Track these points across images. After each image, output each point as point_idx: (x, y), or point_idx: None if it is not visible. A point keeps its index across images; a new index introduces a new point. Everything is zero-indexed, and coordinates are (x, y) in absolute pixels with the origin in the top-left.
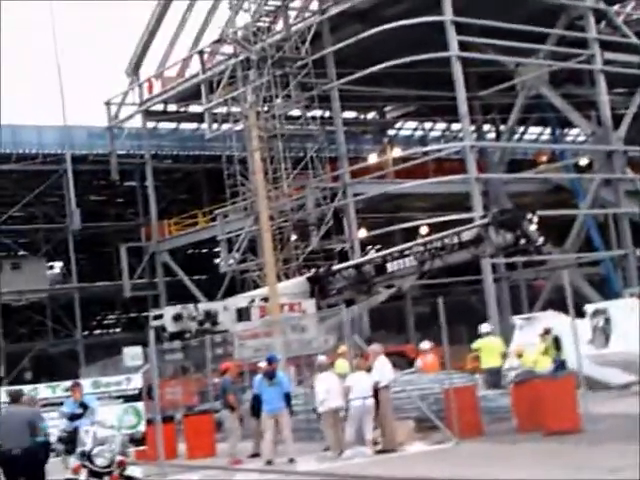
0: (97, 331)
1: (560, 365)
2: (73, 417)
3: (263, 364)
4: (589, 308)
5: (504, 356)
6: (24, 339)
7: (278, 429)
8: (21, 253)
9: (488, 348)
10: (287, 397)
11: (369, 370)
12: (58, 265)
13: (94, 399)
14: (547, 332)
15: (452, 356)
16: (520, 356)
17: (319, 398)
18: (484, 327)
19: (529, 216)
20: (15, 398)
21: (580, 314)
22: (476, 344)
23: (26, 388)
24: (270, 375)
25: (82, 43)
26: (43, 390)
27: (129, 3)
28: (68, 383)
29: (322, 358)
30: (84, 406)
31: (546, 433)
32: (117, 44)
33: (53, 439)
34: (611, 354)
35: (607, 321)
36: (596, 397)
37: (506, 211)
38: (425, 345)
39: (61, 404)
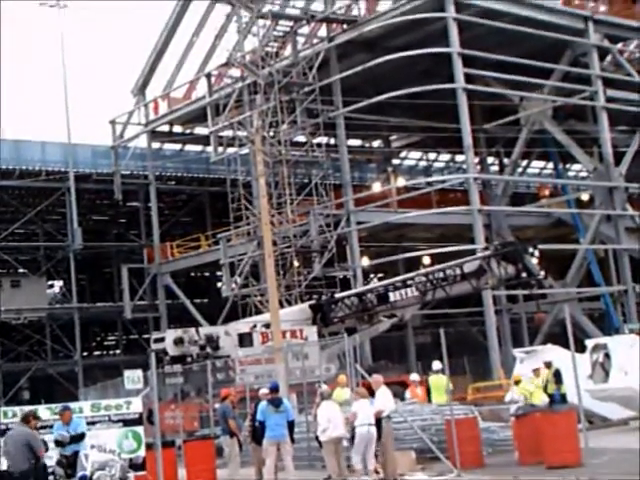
0: (97, 352)
1: (560, 399)
2: (62, 443)
3: (264, 391)
4: (589, 343)
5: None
6: (22, 358)
7: (280, 456)
8: (21, 271)
9: (436, 385)
10: (291, 425)
11: (372, 395)
12: (58, 284)
13: (83, 422)
14: (548, 366)
15: (454, 387)
16: (517, 383)
17: (321, 427)
18: (435, 365)
19: (530, 249)
20: (23, 418)
21: (580, 348)
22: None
23: (25, 409)
24: (276, 403)
25: (90, 60)
26: (42, 411)
27: (139, 22)
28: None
29: (324, 387)
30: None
31: (547, 466)
32: (124, 63)
33: (51, 462)
34: (611, 389)
35: (607, 356)
36: (596, 432)
37: (508, 244)
38: (414, 377)
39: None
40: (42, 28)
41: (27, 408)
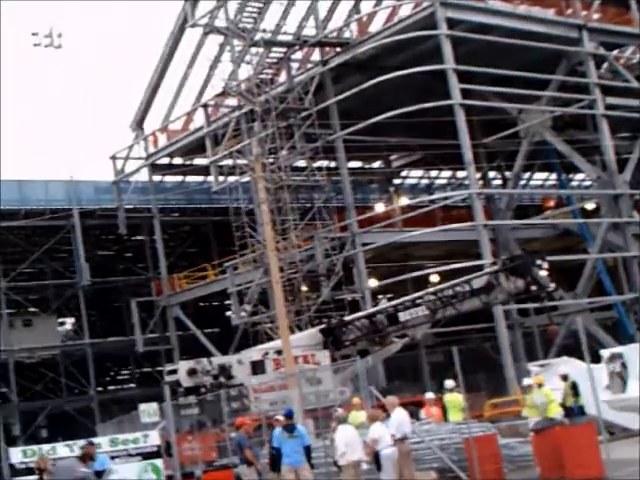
0: (111, 387)
1: (579, 411)
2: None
3: (280, 417)
4: (605, 353)
5: (464, 411)
6: (38, 396)
7: None
8: (32, 310)
9: (451, 404)
10: (307, 450)
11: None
12: (69, 321)
13: (107, 459)
14: (564, 378)
15: (470, 404)
16: (540, 386)
17: (339, 451)
18: (448, 383)
19: (539, 262)
20: (81, 457)
21: (595, 359)
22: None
23: (44, 447)
24: (290, 429)
25: (87, 98)
26: (61, 449)
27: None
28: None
29: (340, 410)
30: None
31: None
32: (121, 98)
33: None
34: (630, 399)
35: (623, 366)
36: (617, 443)
37: (515, 257)
38: (429, 396)
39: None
40: (39, 68)
41: (46, 447)
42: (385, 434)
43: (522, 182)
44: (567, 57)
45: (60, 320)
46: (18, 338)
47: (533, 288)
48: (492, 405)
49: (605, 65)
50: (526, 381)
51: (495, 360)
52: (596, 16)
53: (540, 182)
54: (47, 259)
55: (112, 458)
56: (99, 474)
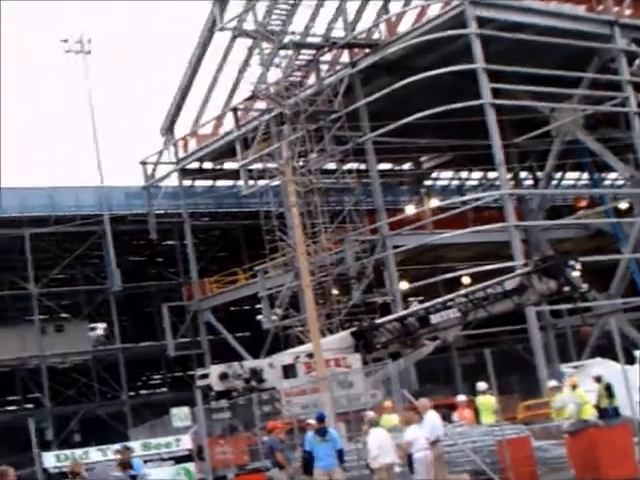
0: (143, 391)
1: (613, 413)
2: None
3: (312, 421)
4: (638, 354)
5: (497, 413)
6: (70, 401)
7: None
8: (64, 315)
9: (484, 406)
10: (340, 454)
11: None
12: (101, 326)
13: (141, 463)
14: (598, 380)
15: (503, 406)
16: (575, 387)
17: (371, 454)
18: (480, 386)
19: (571, 262)
20: (122, 464)
21: (629, 360)
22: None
23: (77, 452)
24: (322, 432)
25: (117, 103)
26: (94, 453)
27: (163, 61)
28: (118, 446)
29: (371, 414)
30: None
31: None
32: (151, 103)
33: None
34: None
35: None
36: None
37: (548, 258)
38: (461, 398)
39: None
40: (69, 74)
41: (79, 451)
42: (419, 437)
43: (554, 182)
44: (599, 54)
45: (92, 325)
46: (50, 344)
47: (566, 289)
48: (525, 407)
49: (637, 62)
50: (552, 383)
51: (528, 362)
52: (628, 12)
53: (572, 182)
54: (78, 265)
55: (145, 462)
56: (133, 478)
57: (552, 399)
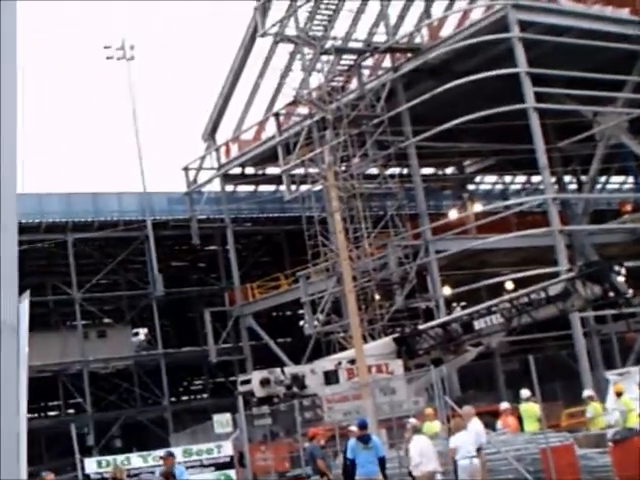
0: (184, 397)
1: None
2: None
3: (354, 428)
4: None
5: (541, 421)
6: (112, 407)
7: None
8: (106, 321)
9: (527, 413)
10: (382, 461)
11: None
12: (143, 331)
13: (184, 470)
14: None
15: (546, 414)
16: (620, 395)
17: (413, 461)
18: (523, 393)
19: (616, 268)
20: (164, 475)
21: None
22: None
23: (118, 458)
24: (365, 439)
25: (158, 108)
26: (135, 459)
27: (204, 67)
28: (159, 452)
29: (413, 421)
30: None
31: None
32: (193, 109)
33: None
34: None
35: None
36: None
37: (592, 263)
38: (505, 405)
39: (153, 473)
40: (111, 80)
41: (120, 457)
42: (464, 444)
43: (598, 186)
44: None
45: (134, 331)
46: (92, 349)
47: (611, 294)
48: (569, 415)
49: None
50: (586, 392)
51: (572, 368)
52: None
53: (617, 186)
54: (121, 270)
55: (186, 469)
56: None
57: (588, 409)
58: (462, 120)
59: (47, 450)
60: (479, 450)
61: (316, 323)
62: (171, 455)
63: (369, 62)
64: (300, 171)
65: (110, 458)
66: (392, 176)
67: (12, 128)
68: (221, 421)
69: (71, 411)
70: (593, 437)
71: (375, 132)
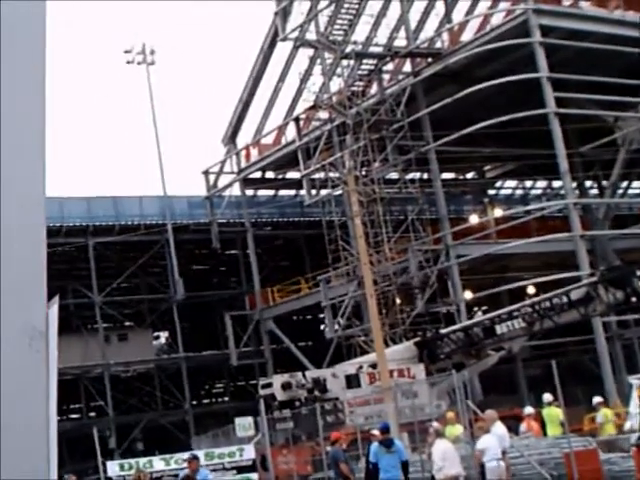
0: (205, 400)
1: None
2: None
3: (376, 432)
4: None
5: (563, 425)
6: (133, 410)
7: None
8: (127, 324)
9: (550, 418)
10: (404, 465)
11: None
12: (164, 335)
13: (208, 473)
14: None
15: (569, 418)
16: None
17: (436, 465)
18: (545, 397)
19: (638, 272)
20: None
21: None
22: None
23: (140, 461)
24: (387, 443)
25: (179, 113)
26: (157, 462)
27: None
28: (181, 455)
29: (436, 424)
30: None
31: None
32: (213, 113)
33: None
34: None
35: None
36: None
37: (614, 268)
38: (529, 410)
39: (176, 476)
40: (131, 85)
41: (142, 460)
42: (491, 446)
43: (620, 191)
44: None
45: (155, 334)
46: (114, 352)
47: (633, 299)
48: (591, 419)
49: None
50: (596, 399)
51: (594, 373)
52: None
53: (638, 191)
54: (141, 274)
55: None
56: None
57: (597, 415)
58: (483, 125)
59: (69, 453)
60: (503, 454)
61: (337, 327)
62: (195, 458)
63: (389, 67)
64: (320, 175)
65: (132, 461)
66: (412, 181)
67: (40, 134)
68: (243, 424)
69: (92, 414)
70: (615, 441)
71: (395, 137)
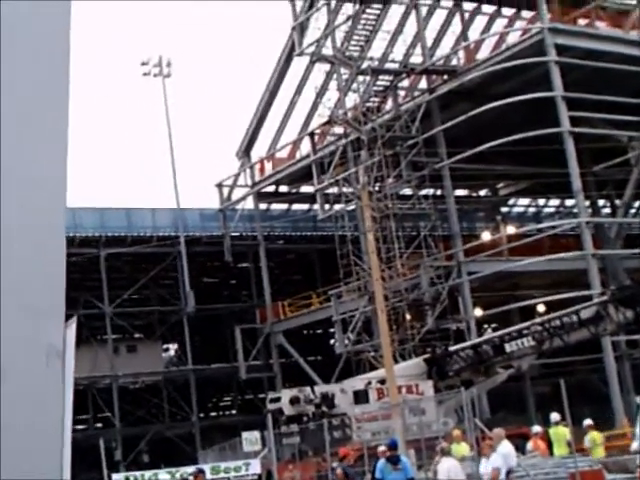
0: (213, 413)
1: None
2: None
3: (382, 448)
4: None
5: (570, 445)
6: (140, 422)
7: None
8: (137, 336)
9: (557, 437)
10: None
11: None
12: (173, 347)
13: None
14: None
15: (576, 438)
16: None
17: None
18: (553, 417)
19: None
20: None
21: None
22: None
23: (146, 474)
24: (394, 460)
25: (193, 125)
26: (163, 475)
27: (241, 84)
28: (187, 468)
29: (443, 442)
30: None
31: None
32: (227, 126)
33: None
34: None
35: None
36: None
37: (625, 288)
38: (537, 429)
39: None
40: (147, 96)
41: (148, 473)
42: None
43: (632, 211)
44: None
45: (164, 346)
46: (122, 363)
47: None
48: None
49: None
50: (586, 422)
51: (602, 392)
52: None
53: None
54: (152, 285)
55: None
56: None
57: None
58: (497, 143)
59: (74, 463)
60: (509, 473)
61: (347, 342)
62: (201, 472)
63: (405, 83)
64: (334, 190)
65: (138, 474)
66: (426, 197)
67: (63, 150)
68: (250, 439)
69: (99, 425)
70: (623, 462)
71: (410, 153)
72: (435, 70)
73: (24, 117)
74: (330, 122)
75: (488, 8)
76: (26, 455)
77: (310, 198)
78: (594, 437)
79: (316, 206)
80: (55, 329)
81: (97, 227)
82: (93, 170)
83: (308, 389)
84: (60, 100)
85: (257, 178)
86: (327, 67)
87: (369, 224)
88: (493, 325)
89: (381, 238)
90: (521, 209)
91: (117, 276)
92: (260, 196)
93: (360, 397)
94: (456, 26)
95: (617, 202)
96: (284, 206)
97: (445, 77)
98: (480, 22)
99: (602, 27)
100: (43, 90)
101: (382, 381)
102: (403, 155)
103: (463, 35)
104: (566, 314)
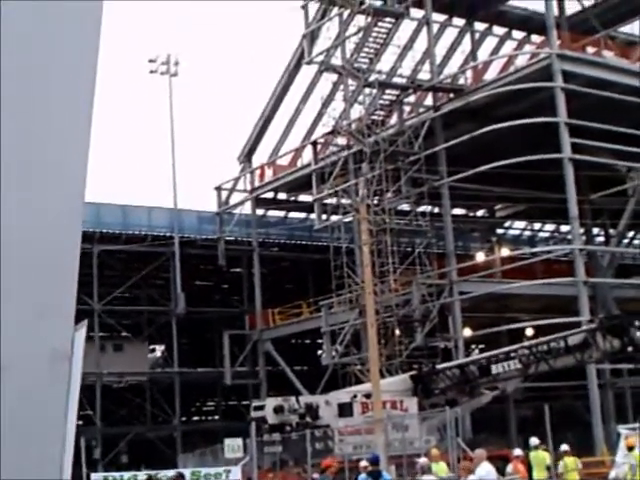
0: (195, 417)
1: None
2: None
3: (364, 463)
4: None
5: (549, 469)
6: (122, 422)
7: None
8: (124, 334)
9: (536, 461)
10: None
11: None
12: (160, 348)
13: None
14: None
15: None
16: (631, 449)
17: None
18: (532, 441)
19: (637, 323)
20: None
21: None
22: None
23: (125, 475)
24: (375, 475)
25: (196, 126)
26: (141, 477)
27: (246, 89)
28: (167, 472)
29: (424, 460)
30: None
31: None
32: (230, 130)
33: None
34: None
35: None
36: None
37: (614, 317)
38: (517, 452)
39: None
40: (152, 94)
41: (127, 474)
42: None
43: (625, 240)
44: None
45: (151, 347)
46: (107, 362)
47: (629, 349)
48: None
49: None
50: (562, 447)
51: (584, 419)
52: None
53: None
54: (144, 285)
55: None
56: None
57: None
58: (497, 164)
59: None
60: None
61: (334, 354)
62: (181, 476)
63: (411, 99)
64: (332, 201)
65: (117, 474)
66: (423, 214)
67: (84, 150)
68: (232, 446)
69: (80, 422)
70: None
71: (410, 169)
72: (442, 88)
73: (50, 115)
74: (334, 132)
75: (499, 30)
76: (26, 455)
77: (308, 207)
78: (567, 463)
79: (313, 215)
80: (62, 333)
81: (92, 222)
82: (93, 165)
83: (293, 399)
84: (86, 95)
85: (257, 183)
86: (334, 77)
87: (365, 237)
88: (481, 346)
89: (376, 252)
90: (517, 232)
91: (108, 273)
92: (258, 202)
93: (344, 410)
94: (466, 45)
95: (611, 231)
96: (281, 213)
97: (451, 95)
98: (490, 43)
99: (610, 57)
100: (70, 89)
101: (368, 395)
102: (404, 170)
103: (472, 55)
104: (554, 339)
